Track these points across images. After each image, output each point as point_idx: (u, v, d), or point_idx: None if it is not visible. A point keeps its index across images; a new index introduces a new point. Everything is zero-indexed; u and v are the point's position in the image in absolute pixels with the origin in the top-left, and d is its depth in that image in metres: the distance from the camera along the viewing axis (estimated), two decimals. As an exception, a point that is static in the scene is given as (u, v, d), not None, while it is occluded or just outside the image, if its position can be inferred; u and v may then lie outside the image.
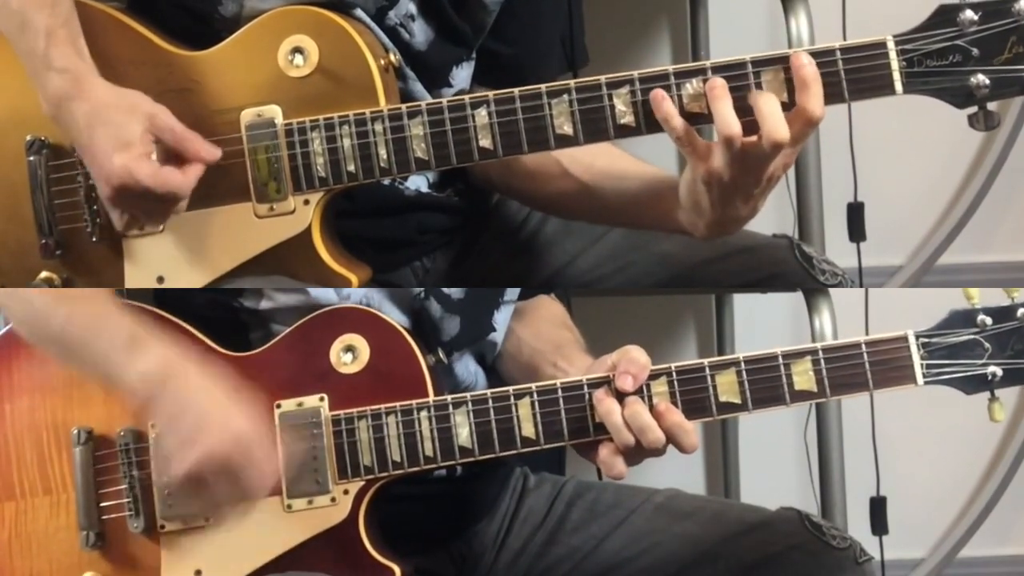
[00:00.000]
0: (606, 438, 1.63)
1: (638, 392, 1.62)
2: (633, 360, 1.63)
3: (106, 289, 1.71)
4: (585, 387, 1.64)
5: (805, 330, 2.32)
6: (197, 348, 1.70)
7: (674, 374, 1.62)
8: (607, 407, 1.62)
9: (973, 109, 1.59)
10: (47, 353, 1.72)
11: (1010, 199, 3.00)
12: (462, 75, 1.84)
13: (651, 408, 1.61)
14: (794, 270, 1.90)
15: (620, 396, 1.62)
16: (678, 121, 1.59)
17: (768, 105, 1.57)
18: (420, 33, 1.79)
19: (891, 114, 2.76)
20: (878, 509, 2.94)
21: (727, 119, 1.57)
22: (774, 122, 1.56)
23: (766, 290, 2.22)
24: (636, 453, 1.62)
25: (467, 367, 1.81)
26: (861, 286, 2.81)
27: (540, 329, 1.86)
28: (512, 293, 1.85)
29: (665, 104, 1.59)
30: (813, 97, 1.56)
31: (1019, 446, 2.94)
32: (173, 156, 1.64)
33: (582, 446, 1.65)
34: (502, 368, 1.84)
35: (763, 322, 2.84)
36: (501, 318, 1.83)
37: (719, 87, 1.58)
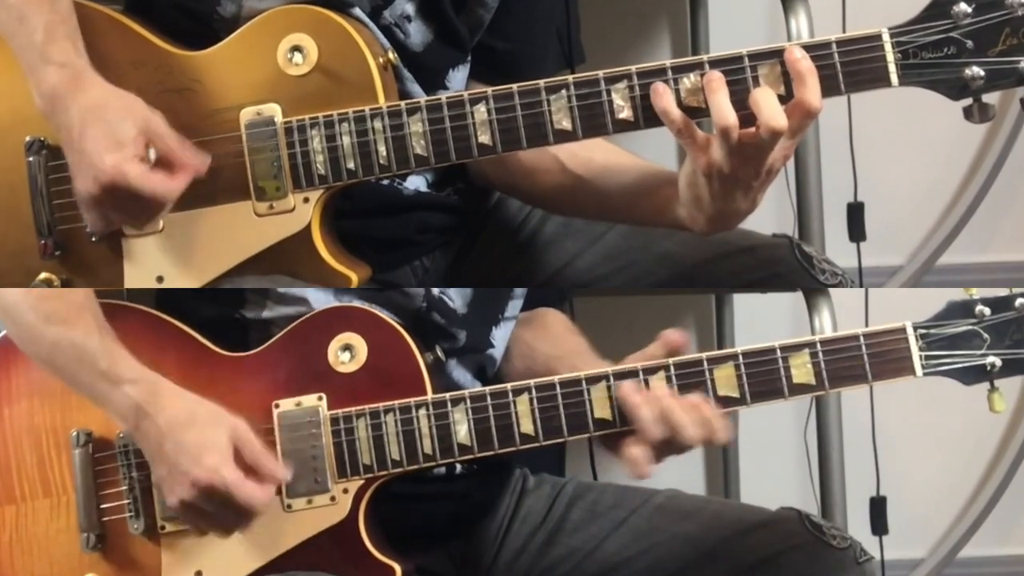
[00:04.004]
0: (603, 434, 1.63)
1: (698, 376, 1.62)
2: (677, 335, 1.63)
3: (88, 305, 1.70)
4: (584, 383, 1.64)
5: (805, 330, 2.32)
6: (194, 350, 1.71)
7: (672, 368, 1.62)
8: (636, 401, 1.61)
9: (968, 101, 1.60)
10: (43, 370, 1.72)
11: (1010, 199, 3.00)
12: (458, 77, 1.84)
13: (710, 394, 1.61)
14: (794, 270, 1.89)
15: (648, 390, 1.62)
16: (677, 113, 1.59)
17: (764, 96, 1.57)
18: (416, 35, 1.79)
19: (891, 114, 2.77)
20: (878, 509, 2.94)
21: (723, 110, 1.57)
22: (771, 111, 1.56)
23: (766, 290, 2.22)
24: (664, 449, 1.61)
25: (464, 377, 1.81)
26: (861, 286, 2.80)
27: (552, 337, 1.87)
28: (513, 309, 1.86)
29: (665, 97, 1.59)
30: (810, 90, 1.57)
31: (1019, 446, 2.93)
32: (163, 163, 1.64)
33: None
34: (516, 380, 1.83)
35: (763, 322, 2.84)
36: (500, 335, 1.84)
37: (715, 80, 1.58)
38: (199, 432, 1.62)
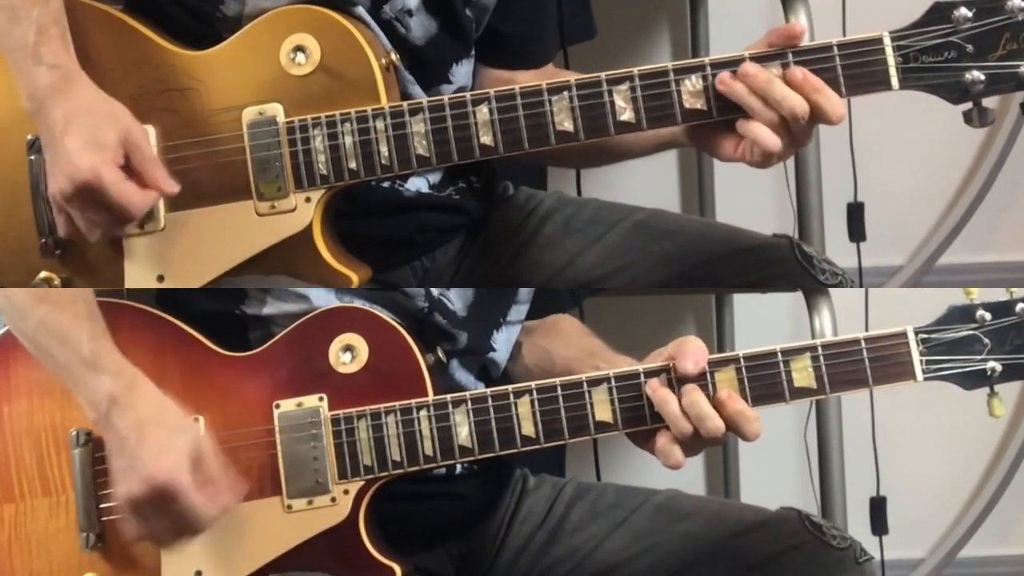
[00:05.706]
0: (603, 436, 1.64)
1: (699, 379, 1.62)
2: (692, 347, 1.63)
3: (86, 292, 1.70)
4: (585, 385, 1.64)
5: (805, 330, 2.32)
6: (195, 350, 1.71)
7: (673, 371, 1.63)
8: (663, 396, 1.61)
9: (968, 105, 1.61)
10: (25, 347, 1.72)
11: (1010, 199, 3.00)
12: (462, 72, 1.85)
13: (712, 398, 1.61)
14: (794, 270, 1.90)
15: (677, 386, 1.62)
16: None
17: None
18: (418, 28, 1.79)
19: (891, 114, 2.76)
20: (878, 509, 2.94)
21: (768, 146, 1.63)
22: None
23: (766, 290, 2.22)
24: (694, 442, 1.61)
25: (467, 378, 1.81)
26: (861, 286, 2.81)
27: (568, 340, 1.87)
28: (516, 314, 1.86)
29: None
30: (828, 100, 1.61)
31: (1019, 446, 2.94)
32: (136, 177, 1.64)
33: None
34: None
35: (763, 322, 2.84)
36: (502, 338, 1.84)
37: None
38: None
